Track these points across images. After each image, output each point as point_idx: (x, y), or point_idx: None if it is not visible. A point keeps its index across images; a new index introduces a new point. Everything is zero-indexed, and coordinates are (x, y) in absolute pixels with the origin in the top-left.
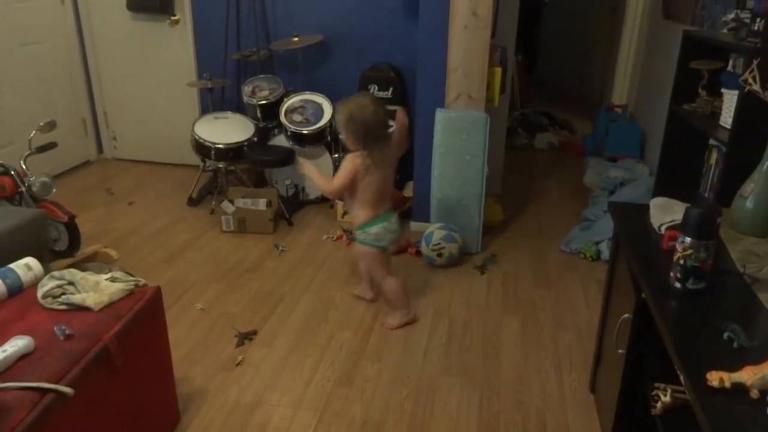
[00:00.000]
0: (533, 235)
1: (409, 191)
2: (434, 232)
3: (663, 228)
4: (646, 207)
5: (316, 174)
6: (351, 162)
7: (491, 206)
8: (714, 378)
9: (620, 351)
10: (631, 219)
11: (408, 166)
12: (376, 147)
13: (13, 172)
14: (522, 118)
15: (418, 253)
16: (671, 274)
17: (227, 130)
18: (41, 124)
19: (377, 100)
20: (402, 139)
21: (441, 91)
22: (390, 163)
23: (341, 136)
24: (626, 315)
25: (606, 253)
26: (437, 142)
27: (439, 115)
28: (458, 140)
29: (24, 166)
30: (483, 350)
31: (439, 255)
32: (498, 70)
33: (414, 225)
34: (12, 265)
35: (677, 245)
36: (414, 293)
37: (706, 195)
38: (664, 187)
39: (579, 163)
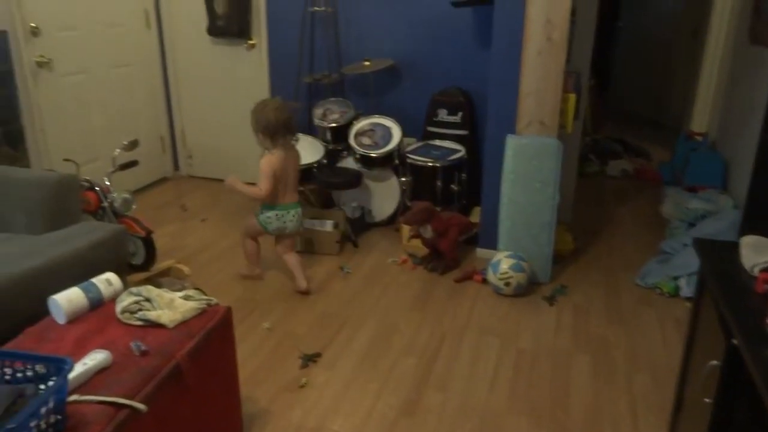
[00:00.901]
0: (606, 267)
1: (476, 217)
2: (502, 260)
3: (756, 269)
4: (735, 245)
5: (243, 186)
6: (267, 163)
7: (561, 235)
8: None
9: (706, 399)
10: (718, 257)
11: (476, 192)
12: (282, 143)
13: (97, 188)
14: (593, 144)
15: (485, 281)
16: None
17: None
18: (125, 142)
19: (280, 103)
20: None
21: (512, 117)
22: (295, 162)
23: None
24: (714, 362)
25: (685, 290)
26: (507, 169)
27: (510, 141)
28: (529, 167)
29: (107, 183)
30: (551, 387)
31: (507, 284)
32: (572, 96)
33: (480, 252)
34: (94, 280)
35: None
36: (479, 322)
37: None
38: (752, 223)
39: (655, 193)
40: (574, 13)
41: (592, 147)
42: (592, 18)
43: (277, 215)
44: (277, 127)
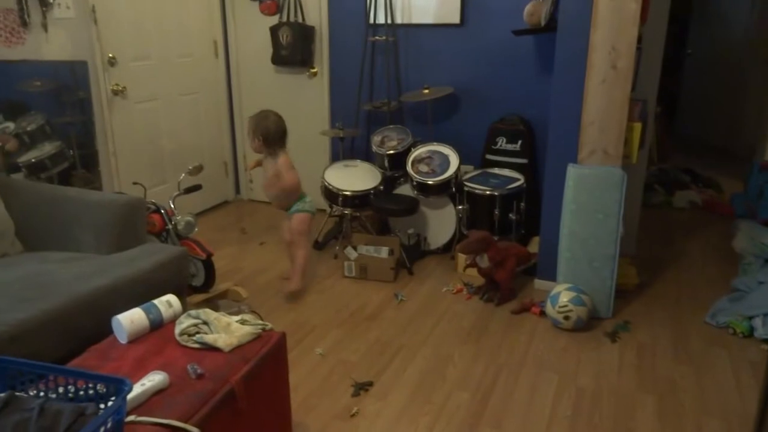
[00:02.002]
0: (672, 303)
1: (534, 247)
2: (561, 293)
3: None
4: None
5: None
6: (287, 160)
7: (625, 268)
8: None
9: None
10: None
11: (534, 222)
12: (272, 151)
13: (162, 211)
14: (659, 173)
15: (543, 313)
16: None
17: (355, 177)
18: (190, 167)
19: (279, 116)
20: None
21: (574, 146)
22: None
23: (251, 142)
24: None
25: (761, 331)
26: (568, 199)
27: (572, 170)
28: (591, 198)
29: (172, 205)
30: (614, 429)
31: (566, 318)
32: (638, 125)
33: (538, 283)
34: (155, 301)
35: None
36: (537, 357)
37: None
38: None
39: (726, 226)
40: (640, 40)
41: (657, 177)
42: (659, 45)
43: (309, 200)
44: (275, 137)
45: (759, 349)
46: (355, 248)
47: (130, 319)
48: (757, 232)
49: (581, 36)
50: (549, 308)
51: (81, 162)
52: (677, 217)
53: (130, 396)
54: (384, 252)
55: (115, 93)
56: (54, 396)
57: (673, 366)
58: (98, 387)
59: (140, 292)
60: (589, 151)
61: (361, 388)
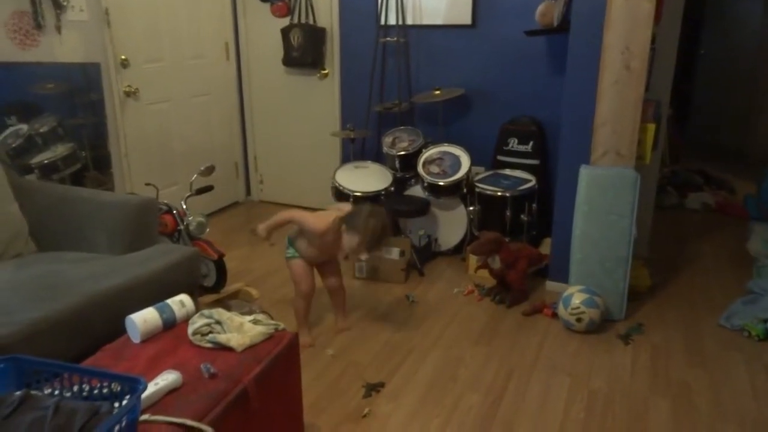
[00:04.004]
0: (686, 305)
1: (546, 248)
2: (574, 294)
3: None
4: None
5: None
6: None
7: (638, 270)
8: None
9: None
10: None
11: (546, 223)
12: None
13: (174, 212)
14: (672, 175)
15: (555, 315)
16: None
17: (366, 178)
18: (202, 168)
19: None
20: None
21: (586, 147)
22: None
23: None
24: None
25: None
26: (580, 200)
27: (584, 171)
28: (604, 199)
29: (184, 206)
30: None
31: (579, 320)
32: (651, 126)
33: (550, 285)
34: (168, 301)
35: None
36: (549, 359)
37: None
38: None
39: (739, 228)
40: (654, 40)
41: (670, 179)
42: (673, 45)
43: None
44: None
45: None
46: None
47: (144, 319)
48: None
49: (594, 36)
50: (561, 310)
51: (93, 163)
52: (690, 218)
53: (144, 395)
54: (395, 253)
55: (128, 95)
56: (69, 395)
57: (686, 369)
58: (113, 386)
59: (152, 292)
60: (601, 152)
61: (373, 389)
